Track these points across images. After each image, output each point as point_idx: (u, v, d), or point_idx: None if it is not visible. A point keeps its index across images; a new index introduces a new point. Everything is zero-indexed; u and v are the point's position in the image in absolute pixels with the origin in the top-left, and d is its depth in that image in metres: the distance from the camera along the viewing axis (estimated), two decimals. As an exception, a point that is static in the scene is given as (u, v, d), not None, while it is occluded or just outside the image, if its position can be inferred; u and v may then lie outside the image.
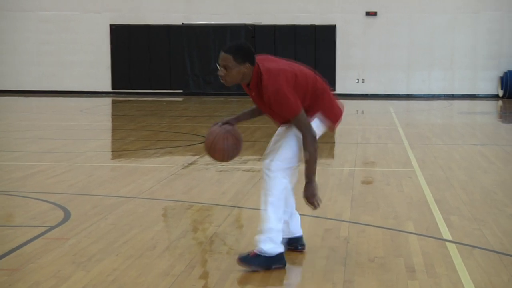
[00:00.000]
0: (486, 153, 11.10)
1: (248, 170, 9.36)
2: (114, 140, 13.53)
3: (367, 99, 23.59)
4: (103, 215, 6.69)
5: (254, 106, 5.56)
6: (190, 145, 12.01)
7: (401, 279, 4.90)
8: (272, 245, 5.05)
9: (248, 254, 5.08)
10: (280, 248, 5.09)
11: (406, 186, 8.35)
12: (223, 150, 5.25)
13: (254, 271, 4.98)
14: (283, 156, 5.18)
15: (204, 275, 4.99)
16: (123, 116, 18.28)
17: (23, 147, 11.70)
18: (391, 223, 6.47)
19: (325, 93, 5.35)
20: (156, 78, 25.36)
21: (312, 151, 5.13)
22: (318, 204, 5.28)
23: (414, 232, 6.17)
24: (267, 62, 5.17)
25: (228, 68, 5.08)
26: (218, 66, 5.16)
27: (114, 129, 15.73)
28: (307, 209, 7.01)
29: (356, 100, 23.22)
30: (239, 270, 5.05)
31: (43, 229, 6.14)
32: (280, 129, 5.43)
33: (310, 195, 5.22)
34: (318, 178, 8.84)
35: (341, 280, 4.87)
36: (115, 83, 25.62)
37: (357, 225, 6.39)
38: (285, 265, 5.12)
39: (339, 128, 16.24)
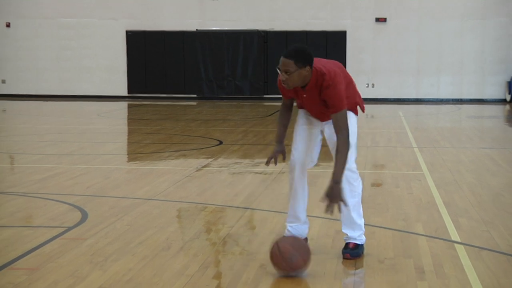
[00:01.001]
0: (494, 156, 11.05)
1: (260, 173, 9.35)
2: (130, 143, 13.55)
3: (377, 104, 23.54)
4: (119, 216, 6.70)
5: (281, 119, 5.62)
6: (203, 148, 12.01)
7: (411, 280, 4.88)
8: (364, 236, 5.46)
9: (349, 247, 5.35)
10: (364, 237, 5.47)
11: (415, 188, 8.32)
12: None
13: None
14: (353, 153, 5.48)
15: (218, 275, 4.99)
16: (138, 120, 18.32)
17: (42, 150, 11.74)
18: (400, 225, 6.45)
19: (353, 83, 5.53)
20: (171, 83, 25.41)
21: (346, 151, 5.19)
22: (340, 208, 5.12)
23: (423, 233, 6.14)
24: (321, 63, 5.22)
25: (290, 73, 5.07)
26: (278, 71, 5.12)
27: (130, 132, 15.75)
28: (318, 210, 7.01)
29: (366, 104, 23.02)
30: (252, 270, 5.04)
31: (62, 229, 6.16)
32: (307, 118, 5.52)
33: (336, 196, 5.03)
34: (327, 182, 8.83)
35: (352, 280, 4.86)
36: (131, 87, 25.68)
37: (367, 227, 6.35)
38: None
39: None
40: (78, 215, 6.71)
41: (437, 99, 24.70)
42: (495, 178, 9.07)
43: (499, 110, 21.38)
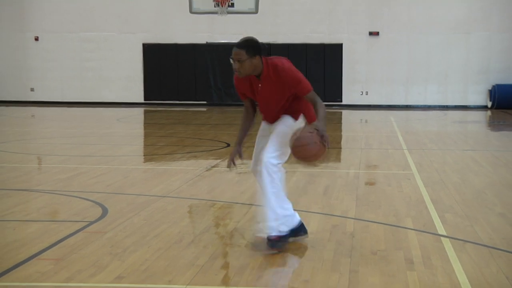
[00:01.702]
0: (477, 158, 11.03)
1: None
2: (146, 145, 13.56)
3: (370, 110, 23.53)
4: (136, 211, 6.71)
5: (243, 123, 5.60)
6: (213, 150, 12.02)
7: (401, 270, 4.87)
8: (285, 227, 5.30)
9: (271, 238, 5.24)
10: (287, 227, 5.31)
11: (405, 187, 8.31)
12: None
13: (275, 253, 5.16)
14: (279, 148, 5.25)
15: (225, 266, 4.99)
16: (154, 124, 18.34)
17: (67, 152, 11.76)
18: (391, 220, 6.44)
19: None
20: (183, 90, 25.44)
21: (323, 110, 5.17)
22: (328, 143, 5.06)
23: (412, 228, 6.13)
24: (271, 58, 5.34)
25: (242, 61, 5.19)
26: (231, 61, 5.21)
27: (146, 135, 15.77)
28: (317, 207, 7.02)
29: (361, 111, 23.17)
30: (257, 261, 5.04)
31: (84, 224, 6.17)
32: (264, 130, 5.53)
33: (322, 129, 4.99)
34: (325, 180, 8.82)
35: (347, 270, 4.85)
36: (147, 95, 25.71)
37: (362, 222, 6.36)
38: (306, 232, 5.50)
39: (346, 135, 16.11)
40: (99, 211, 6.72)
41: (424, 105, 24.67)
42: (478, 178, 9.06)
43: (481, 116, 21.34)
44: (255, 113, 5.60)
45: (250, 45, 5.22)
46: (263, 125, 5.61)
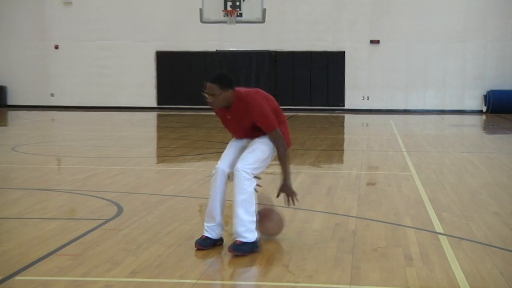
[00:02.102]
0: (473, 160, 11.00)
1: (270, 173, 9.32)
2: (159, 147, 13.58)
3: (371, 114, 23.49)
4: (149, 210, 6.71)
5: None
6: (222, 152, 11.99)
7: (400, 266, 4.86)
8: (251, 234, 5.12)
9: (235, 243, 5.10)
10: (256, 235, 5.17)
11: (405, 187, 8.29)
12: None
13: (240, 256, 5.05)
14: (256, 162, 5.21)
15: (233, 262, 4.98)
16: (166, 128, 18.36)
17: (84, 153, 11.78)
18: (391, 219, 6.43)
19: (285, 123, 5.45)
20: (194, 95, 25.45)
21: (287, 157, 5.30)
22: (296, 199, 5.43)
23: (411, 226, 6.12)
24: (243, 89, 5.26)
25: (215, 95, 5.13)
26: (205, 95, 5.15)
27: (159, 138, 15.78)
28: (321, 206, 7.01)
29: (362, 115, 23.14)
30: (263, 257, 5.03)
31: (100, 221, 6.18)
32: (239, 141, 5.46)
33: (290, 192, 5.37)
34: (329, 181, 8.80)
35: (349, 266, 4.84)
36: (160, 100, 25.76)
37: (363, 220, 6.35)
38: (258, 248, 5.18)
39: (348, 138, 16.11)
40: (114, 209, 6.73)
41: (423, 110, 24.61)
42: (474, 179, 9.03)
43: (477, 120, 21.28)
44: None
45: (223, 79, 5.13)
46: (236, 141, 5.50)
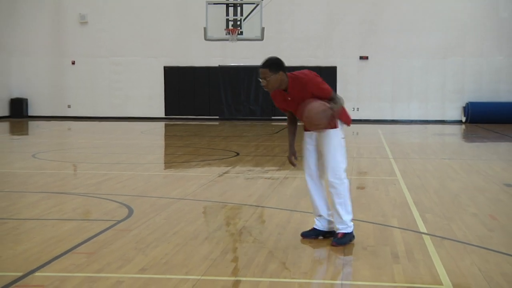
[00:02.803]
0: (453, 166, 11.00)
1: (269, 178, 9.34)
2: (166, 154, 13.57)
3: (361, 124, 23.50)
4: (158, 212, 6.70)
5: (288, 129, 5.58)
6: (224, 158, 12.01)
7: (388, 263, 4.85)
8: (349, 229, 5.34)
9: (337, 237, 5.29)
10: (351, 228, 5.36)
11: (391, 191, 8.28)
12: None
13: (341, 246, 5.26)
14: (336, 166, 5.29)
15: (235, 259, 4.97)
16: (173, 136, 18.36)
17: (98, 160, 11.77)
18: (379, 220, 6.42)
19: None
20: (199, 106, 25.47)
21: (340, 103, 5.38)
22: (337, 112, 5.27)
23: (397, 226, 6.11)
24: (293, 72, 5.35)
25: (267, 78, 5.17)
26: (259, 80, 5.25)
27: (166, 146, 15.78)
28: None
29: (353, 124, 22.94)
30: (262, 256, 5.02)
31: (112, 222, 6.17)
32: (308, 142, 5.48)
33: (333, 107, 5.22)
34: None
35: (341, 263, 4.84)
36: (167, 110, 25.74)
37: (354, 221, 6.32)
38: (354, 237, 5.41)
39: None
40: (125, 211, 6.72)
41: (408, 120, 24.62)
42: (454, 183, 9.02)
43: (457, 129, 21.29)
44: (296, 120, 5.58)
45: (272, 63, 5.22)
46: (306, 138, 5.51)
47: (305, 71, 5.37)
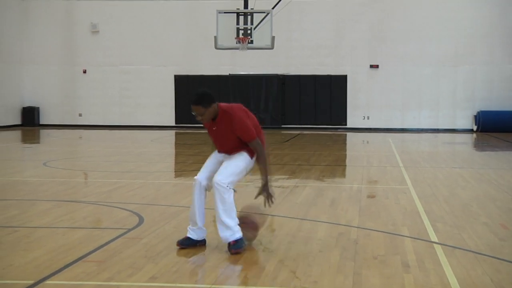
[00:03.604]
0: (464, 174, 10.95)
1: (279, 187, 9.33)
2: (176, 163, 13.60)
3: (371, 132, 23.45)
4: (168, 220, 6.71)
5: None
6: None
7: (398, 272, 4.83)
8: (238, 233, 5.33)
9: (230, 244, 5.30)
10: (239, 233, 5.35)
11: (402, 199, 8.25)
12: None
13: (237, 254, 5.24)
14: (231, 175, 5.35)
15: (245, 268, 4.97)
16: (183, 145, 18.40)
17: (108, 168, 11.81)
18: (390, 228, 6.40)
19: (260, 135, 5.60)
20: (209, 115, 25.47)
21: (266, 161, 5.48)
22: (272, 202, 5.56)
23: (408, 235, 6.08)
24: (225, 104, 5.52)
25: (202, 114, 5.39)
26: (194, 115, 5.41)
27: (176, 154, 15.82)
28: (325, 217, 6.98)
29: (363, 133, 23.10)
30: (272, 264, 5.01)
31: (123, 230, 6.18)
32: (218, 155, 5.59)
33: (268, 193, 5.50)
34: (332, 194, 8.78)
35: (351, 272, 4.82)
36: (177, 119, 25.82)
37: (364, 230, 6.32)
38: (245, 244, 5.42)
39: (350, 154, 16.01)
40: (136, 219, 6.73)
41: (418, 128, 24.55)
42: (465, 192, 8.98)
43: (467, 138, 21.20)
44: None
45: (204, 100, 5.36)
46: (217, 152, 5.64)
47: (237, 108, 5.45)
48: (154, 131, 23.86)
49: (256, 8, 19.25)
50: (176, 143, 19.63)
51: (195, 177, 5.55)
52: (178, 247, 5.46)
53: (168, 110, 25.78)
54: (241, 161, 5.43)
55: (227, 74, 25.36)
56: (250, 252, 5.43)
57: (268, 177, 5.48)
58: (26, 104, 26.28)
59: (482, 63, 24.08)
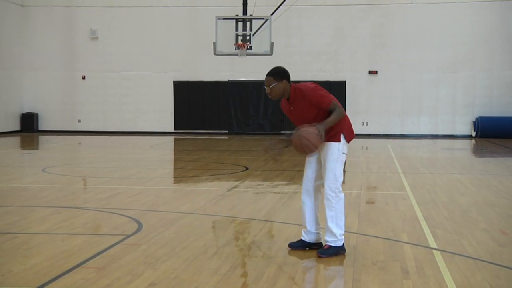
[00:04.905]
0: (463, 180, 10.95)
1: (278, 193, 9.34)
2: (175, 169, 13.60)
3: (370, 138, 23.48)
4: (167, 226, 6.71)
5: None
6: (233, 173, 12.02)
7: (398, 279, 4.82)
8: (338, 242, 5.40)
9: (323, 248, 5.40)
10: (341, 242, 5.41)
11: (401, 205, 8.25)
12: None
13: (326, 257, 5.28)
14: (334, 179, 5.40)
15: (244, 274, 4.97)
16: (182, 150, 18.40)
17: (108, 174, 11.81)
18: (389, 235, 6.40)
19: (345, 115, 5.58)
20: (208, 121, 25.54)
21: (337, 115, 5.37)
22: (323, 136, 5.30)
23: (407, 241, 6.08)
24: (298, 84, 5.56)
25: (272, 86, 5.39)
26: (265, 87, 5.46)
27: (176, 160, 15.82)
28: (324, 223, 6.97)
29: (362, 139, 23.11)
30: (271, 270, 5.01)
31: (122, 237, 6.18)
32: (311, 161, 5.58)
33: (320, 131, 5.26)
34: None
35: (351, 278, 4.82)
36: (176, 125, 25.84)
37: (363, 236, 6.32)
38: (345, 251, 5.48)
39: (349, 160, 16.05)
40: (135, 226, 6.73)
41: (417, 134, 24.57)
42: (464, 198, 8.98)
43: (466, 144, 21.22)
44: None
45: (277, 72, 5.46)
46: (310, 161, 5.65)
47: (309, 83, 5.55)
48: (153, 137, 23.87)
49: (255, 14, 19.30)
50: (175, 149, 19.62)
51: (302, 190, 5.61)
52: (289, 249, 5.60)
53: (168, 116, 25.80)
54: (335, 161, 5.39)
55: (226, 80, 25.40)
56: (248, 258, 5.43)
57: (328, 124, 5.29)
58: (25, 110, 26.29)
59: (481, 69, 24.13)
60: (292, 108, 5.47)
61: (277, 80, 5.38)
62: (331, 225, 5.41)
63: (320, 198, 5.64)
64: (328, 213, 5.42)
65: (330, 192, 5.41)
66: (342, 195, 5.47)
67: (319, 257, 5.36)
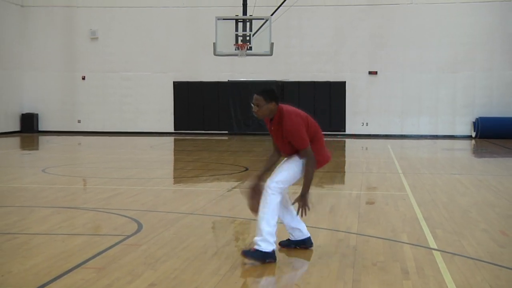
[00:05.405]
0: (463, 181, 10.95)
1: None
2: (175, 169, 13.60)
3: (370, 139, 23.47)
4: (167, 227, 6.71)
5: (272, 153, 5.69)
6: (233, 173, 12.02)
7: (398, 279, 4.83)
8: (266, 244, 5.16)
9: (250, 249, 5.23)
10: (272, 246, 5.19)
11: (401, 206, 8.25)
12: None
13: (251, 261, 5.15)
14: (280, 180, 5.33)
15: (244, 274, 4.97)
16: (182, 151, 18.40)
17: (108, 174, 11.81)
18: (389, 235, 6.40)
19: (320, 140, 5.53)
20: (208, 121, 25.53)
21: (311, 174, 5.38)
22: (305, 213, 5.44)
23: (407, 242, 6.08)
24: (287, 106, 5.44)
25: (260, 106, 5.37)
26: (252, 105, 5.41)
27: (176, 160, 15.81)
28: (325, 223, 6.98)
29: (362, 139, 23.11)
30: (271, 271, 5.01)
31: (122, 237, 6.18)
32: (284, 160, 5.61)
33: (304, 203, 5.38)
34: (332, 200, 8.79)
35: (351, 279, 4.82)
36: (176, 125, 25.83)
37: (363, 236, 6.32)
38: (275, 260, 5.21)
39: (349, 161, 16.04)
40: (135, 226, 6.73)
41: (417, 135, 24.56)
42: (464, 198, 8.98)
43: (466, 144, 21.22)
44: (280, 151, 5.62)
45: (267, 93, 5.36)
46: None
47: (293, 112, 5.35)
48: (153, 137, 23.86)
49: (255, 15, 19.30)
50: (175, 150, 19.62)
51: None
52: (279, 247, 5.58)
53: (168, 117, 25.80)
54: (295, 166, 5.37)
55: (226, 80, 25.39)
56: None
57: (308, 188, 5.38)
58: (25, 111, 26.29)
59: (481, 69, 24.13)
60: (272, 128, 5.43)
61: (267, 101, 5.32)
62: (261, 221, 5.26)
63: (282, 198, 5.47)
64: (261, 209, 5.27)
65: (269, 190, 5.27)
66: (280, 197, 5.30)
67: (241, 254, 5.25)
